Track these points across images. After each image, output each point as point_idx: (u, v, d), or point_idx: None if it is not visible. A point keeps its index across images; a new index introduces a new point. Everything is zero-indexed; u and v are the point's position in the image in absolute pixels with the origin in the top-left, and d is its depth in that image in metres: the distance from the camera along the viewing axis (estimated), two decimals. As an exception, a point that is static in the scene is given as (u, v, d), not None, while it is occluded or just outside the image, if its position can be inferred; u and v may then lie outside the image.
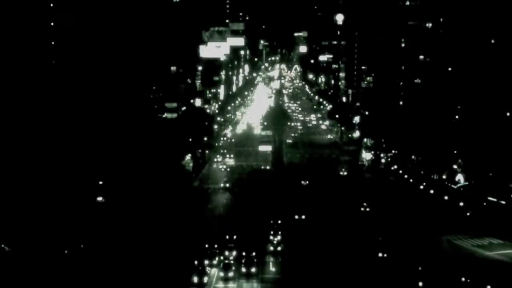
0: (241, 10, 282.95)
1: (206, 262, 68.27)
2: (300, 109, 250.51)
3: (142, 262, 68.28)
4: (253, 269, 66.24)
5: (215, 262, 68.58)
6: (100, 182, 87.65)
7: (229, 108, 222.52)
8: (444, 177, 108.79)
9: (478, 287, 61.71)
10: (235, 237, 76.22)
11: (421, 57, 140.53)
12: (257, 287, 63.32)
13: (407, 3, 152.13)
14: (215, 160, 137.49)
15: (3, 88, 79.54)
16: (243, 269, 66.37)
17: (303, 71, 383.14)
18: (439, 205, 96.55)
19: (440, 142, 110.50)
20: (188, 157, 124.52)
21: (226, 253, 70.40)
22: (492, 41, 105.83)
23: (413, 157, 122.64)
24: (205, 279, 63.52)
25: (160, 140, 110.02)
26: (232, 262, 68.09)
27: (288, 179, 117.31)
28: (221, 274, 65.46)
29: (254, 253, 70.78)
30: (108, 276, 63.46)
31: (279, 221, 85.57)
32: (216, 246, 74.02)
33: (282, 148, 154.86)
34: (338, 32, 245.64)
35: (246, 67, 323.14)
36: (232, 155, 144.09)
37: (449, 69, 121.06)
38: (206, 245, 75.01)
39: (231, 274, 65.15)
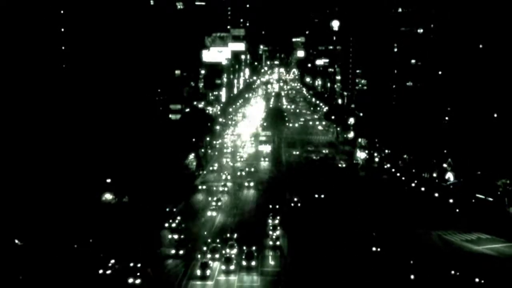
0: (241, 17, 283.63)
1: (209, 256, 68.52)
2: (298, 110, 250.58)
3: (147, 255, 68.50)
4: (253, 263, 66.41)
5: (217, 256, 68.75)
6: (108, 180, 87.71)
7: (230, 109, 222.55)
8: (434, 175, 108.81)
9: (467, 280, 61.85)
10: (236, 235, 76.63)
11: (413, 61, 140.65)
12: (257, 279, 63.46)
13: (400, 10, 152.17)
14: (217, 159, 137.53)
15: (20, 91, 79.60)
16: (244, 263, 66.54)
17: (300, 75, 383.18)
18: (430, 202, 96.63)
19: (431, 142, 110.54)
20: (192, 156, 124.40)
21: (227, 249, 70.61)
22: (480, 46, 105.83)
23: (405, 156, 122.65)
24: (208, 272, 63.72)
25: (165, 140, 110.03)
26: (233, 256, 68.30)
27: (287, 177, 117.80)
28: (223, 267, 65.60)
29: (254, 247, 71.02)
30: (115, 268, 63.64)
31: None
32: (218, 240, 74.32)
33: (281, 148, 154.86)
34: (334, 38, 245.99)
35: (247, 71, 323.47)
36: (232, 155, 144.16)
37: (439, 72, 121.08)
38: (209, 240, 75.29)
39: (232, 267, 65.34)
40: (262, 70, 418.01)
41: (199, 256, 68.77)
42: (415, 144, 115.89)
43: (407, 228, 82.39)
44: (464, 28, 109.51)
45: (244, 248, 71.13)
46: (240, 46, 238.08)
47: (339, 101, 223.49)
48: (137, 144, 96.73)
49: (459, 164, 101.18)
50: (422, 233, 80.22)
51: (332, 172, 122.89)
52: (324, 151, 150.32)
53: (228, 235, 75.86)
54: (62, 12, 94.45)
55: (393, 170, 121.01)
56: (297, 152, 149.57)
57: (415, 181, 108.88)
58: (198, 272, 63.30)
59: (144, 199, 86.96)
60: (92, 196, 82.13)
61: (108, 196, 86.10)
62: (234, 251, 70.53)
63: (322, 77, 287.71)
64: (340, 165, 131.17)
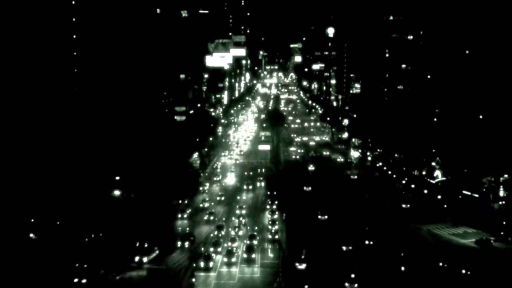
0: (242, 24, 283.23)
1: (211, 249, 68.53)
2: (295, 112, 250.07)
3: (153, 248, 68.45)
4: (253, 255, 66.42)
5: (219, 249, 68.83)
6: (117, 178, 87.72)
7: (232, 111, 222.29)
8: (423, 173, 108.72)
9: (454, 271, 61.87)
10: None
11: (403, 66, 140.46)
12: (257, 271, 63.45)
13: (391, 18, 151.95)
14: (219, 158, 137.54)
15: (36, 94, 79.65)
16: (244, 255, 66.55)
17: (298, 79, 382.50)
18: (420, 198, 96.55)
19: (420, 142, 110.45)
20: (196, 155, 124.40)
21: (229, 243, 70.79)
22: (467, 51, 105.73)
23: (396, 155, 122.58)
24: (211, 264, 63.70)
25: (170, 140, 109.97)
26: (234, 249, 68.35)
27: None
28: (225, 259, 65.58)
29: (254, 241, 71.07)
30: (124, 260, 63.64)
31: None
32: (220, 235, 74.40)
33: (279, 147, 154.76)
34: (329, 44, 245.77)
35: (247, 75, 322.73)
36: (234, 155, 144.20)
37: (428, 76, 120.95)
38: (211, 235, 75.33)
39: (233, 259, 65.32)
40: (262, 74, 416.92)
41: (202, 249, 68.87)
42: (406, 143, 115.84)
43: (398, 222, 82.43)
44: (451, 35, 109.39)
45: (245, 241, 71.35)
46: (241, 52, 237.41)
47: (334, 103, 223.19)
48: (144, 144, 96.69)
49: (447, 162, 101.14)
50: (412, 227, 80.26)
51: (327, 170, 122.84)
52: (320, 150, 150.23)
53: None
54: (74, 19, 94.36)
55: (385, 168, 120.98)
56: (295, 151, 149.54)
57: (406, 179, 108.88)
58: (202, 264, 63.38)
59: (150, 195, 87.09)
60: (102, 192, 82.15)
61: (117, 192, 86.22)
62: (236, 244, 70.67)
63: (318, 80, 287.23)
64: (335, 164, 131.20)
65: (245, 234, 75.50)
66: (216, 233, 75.35)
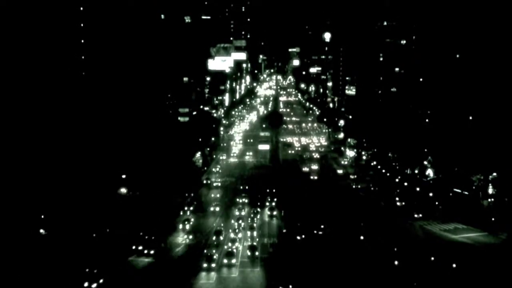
0: (243, 29, 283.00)
1: (213, 250, 68.30)
2: (293, 113, 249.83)
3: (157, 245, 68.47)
4: (256, 253, 66.25)
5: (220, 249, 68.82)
6: (124, 176, 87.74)
7: (233, 112, 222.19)
8: (416, 171, 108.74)
9: (445, 266, 61.87)
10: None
11: (397, 69, 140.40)
12: (257, 266, 63.41)
13: (385, 23, 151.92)
14: (220, 157, 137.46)
15: (49, 97, 79.69)
16: (248, 253, 66.41)
17: (296, 81, 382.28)
18: (412, 195, 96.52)
19: (413, 142, 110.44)
20: (198, 154, 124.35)
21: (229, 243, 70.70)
22: (457, 55, 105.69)
23: (389, 154, 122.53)
24: (213, 265, 63.23)
25: (174, 140, 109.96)
26: (235, 250, 68.12)
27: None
28: (225, 260, 65.30)
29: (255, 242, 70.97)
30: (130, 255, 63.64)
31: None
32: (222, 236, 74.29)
33: (278, 147, 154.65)
34: (326, 48, 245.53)
35: (248, 78, 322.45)
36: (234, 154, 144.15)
37: (421, 79, 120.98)
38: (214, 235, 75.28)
39: (233, 260, 64.80)
40: (261, 77, 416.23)
41: (205, 251, 68.34)
42: (399, 143, 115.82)
43: (391, 219, 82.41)
44: (443, 39, 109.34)
45: (246, 244, 71.11)
46: (242, 56, 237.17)
47: (330, 105, 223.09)
48: (150, 144, 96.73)
49: (438, 161, 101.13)
50: (405, 224, 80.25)
51: (324, 169, 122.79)
52: (317, 149, 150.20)
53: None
54: (82, 25, 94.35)
55: (379, 167, 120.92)
56: (292, 151, 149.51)
57: (399, 177, 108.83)
58: (204, 265, 62.88)
59: (155, 192, 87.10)
60: (109, 190, 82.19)
61: (123, 190, 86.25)
62: (237, 247, 70.32)
63: (315, 83, 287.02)
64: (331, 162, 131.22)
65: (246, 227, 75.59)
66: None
